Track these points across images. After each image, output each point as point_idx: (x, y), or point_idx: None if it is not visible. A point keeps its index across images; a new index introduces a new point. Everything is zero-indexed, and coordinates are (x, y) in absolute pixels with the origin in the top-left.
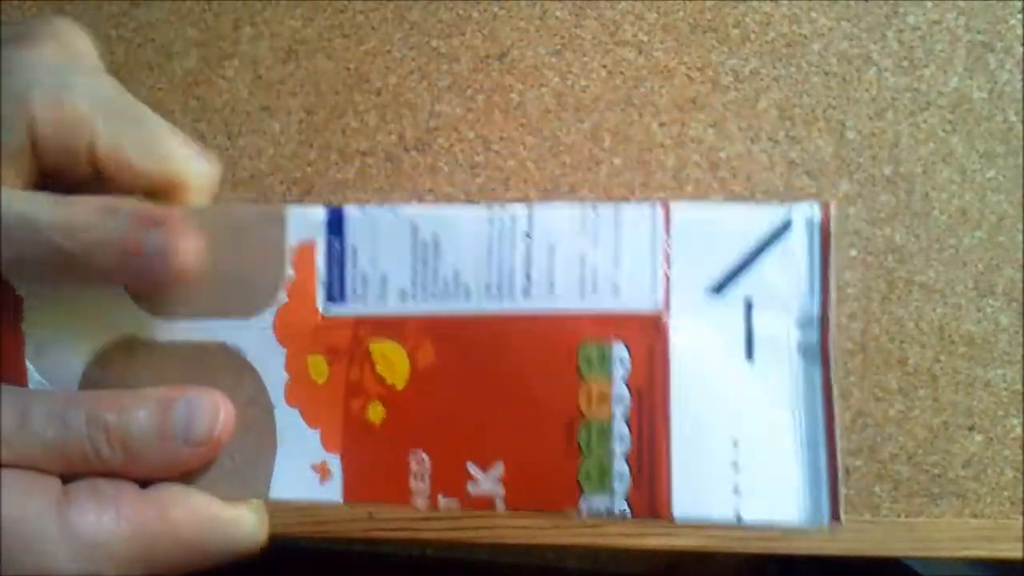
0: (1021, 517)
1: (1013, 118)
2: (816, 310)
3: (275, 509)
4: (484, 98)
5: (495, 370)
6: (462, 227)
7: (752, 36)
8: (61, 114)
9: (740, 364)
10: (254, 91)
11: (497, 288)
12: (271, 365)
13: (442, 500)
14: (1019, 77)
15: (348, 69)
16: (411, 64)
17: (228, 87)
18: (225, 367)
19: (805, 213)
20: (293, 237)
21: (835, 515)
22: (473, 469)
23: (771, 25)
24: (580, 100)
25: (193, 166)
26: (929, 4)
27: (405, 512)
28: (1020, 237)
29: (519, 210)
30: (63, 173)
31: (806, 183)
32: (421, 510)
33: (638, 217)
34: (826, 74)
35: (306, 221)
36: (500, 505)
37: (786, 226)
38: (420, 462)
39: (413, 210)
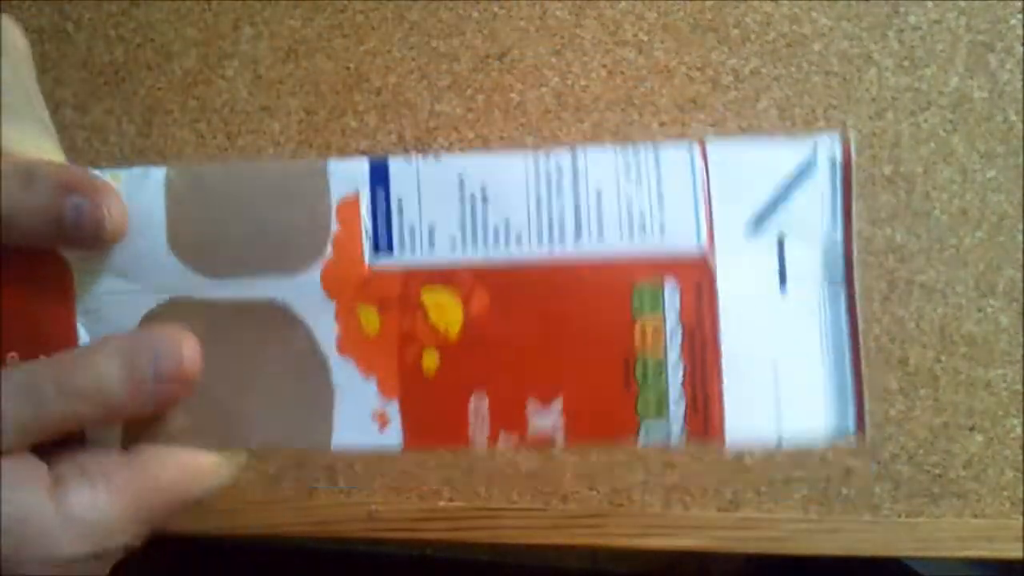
0: (1021, 517)
1: (1014, 118)
2: (840, 237)
3: (275, 509)
4: (484, 98)
5: (550, 313)
6: (509, 176)
7: (753, 36)
8: None
9: (776, 294)
10: (254, 91)
11: (548, 233)
12: (321, 318)
13: (502, 436)
14: (1020, 77)
15: (348, 69)
16: (411, 64)
17: (228, 87)
18: (275, 323)
19: (827, 149)
20: (337, 191)
21: (860, 426)
22: (533, 405)
23: (772, 25)
24: (580, 100)
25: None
26: (930, 4)
27: (405, 512)
28: (1020, 237)
29: (565, 158)
30: None
31: None
32: (481, 450)
33: (677, 158)
34: (827, 74)
35: (349, 174)
36: (560, 440)
37: (812, 162)
38: (479, 405)
39: (459, 160)
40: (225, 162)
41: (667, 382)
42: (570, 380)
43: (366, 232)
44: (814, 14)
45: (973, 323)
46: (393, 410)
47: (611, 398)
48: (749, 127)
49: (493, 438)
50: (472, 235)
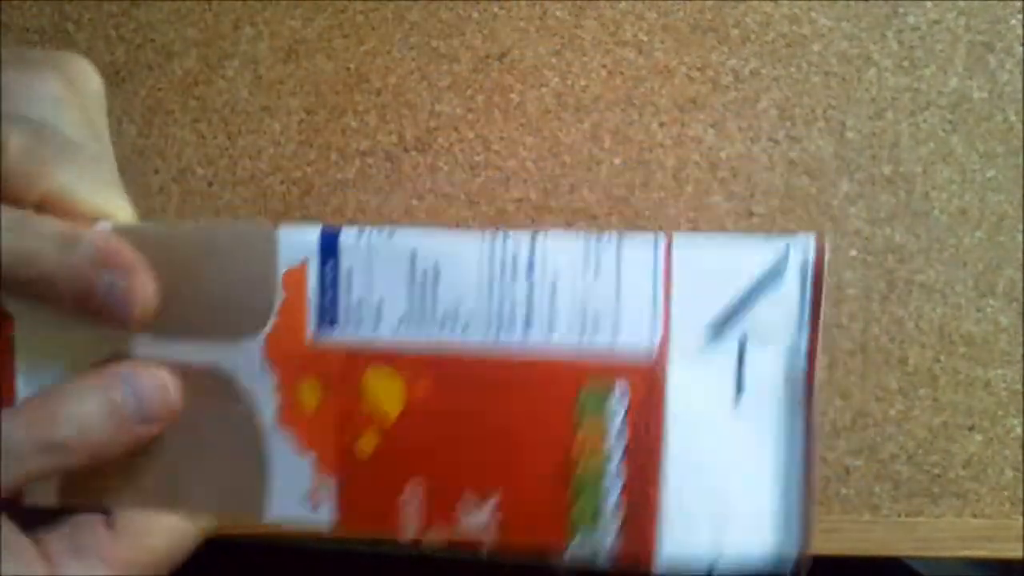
0: (1021, 517)
1: (1013, 118)
2: (804, 345)
3: None
4: (484, 98)
5: (493, 407)
6: (463, 257)
7: (752, 36)
8: (30, 155)
9: (729, 407)
10: (254, 91)
11: (498, 321)
12: (262, 389)
13: (431, 533)
14: (1019, 77)
15: (348, 69)
16: (411, 64)
17: (228, 87)
18: (216, 389)
19: (800, 252)
20: (285, 259)
21: (802, 550)
22: (467, 499)
23: (771, 25)
24: (580, 100)
25: (124, 217)
26: (929, 4)
27: None
28: (1020, 237)
29: (522, 243)
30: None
31: (806, 183)
32: (407, 541)
33: (640, 254)
34: (826, 74)
35: (299, 243)
36: (490, 541)
37: (782, 266)
38: (413, 492)
39: (412, 237)
40: (173, 222)
41: (604, 492)
42: (508, 478)
43: (311, 303)
44: (813, 15)
45: (972, 323)
46: (327, 490)
47: (547, 501)
48: (749, 127)
49: (423, 529)
50: (420, 316)
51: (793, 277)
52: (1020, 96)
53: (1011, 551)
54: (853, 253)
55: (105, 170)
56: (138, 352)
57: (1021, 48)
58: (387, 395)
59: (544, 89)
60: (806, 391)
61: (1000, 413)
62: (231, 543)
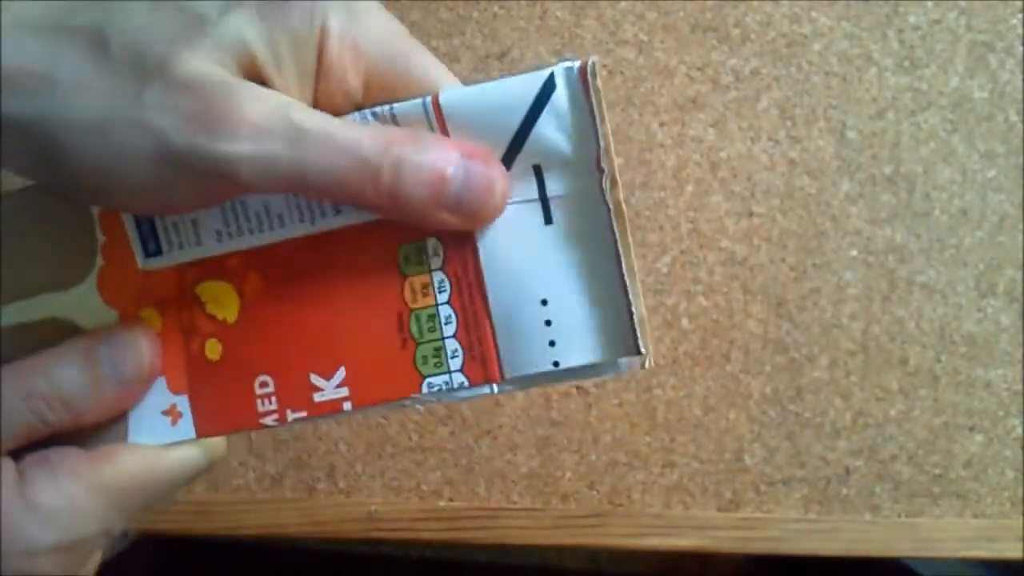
0: (1021, 517)
1: (1014, 118)
2: (592, 156)
3: (276, 509)
4: None
5: (321, 284)
6: None
7: (753, 36)
8: (350, 42)
9: (541, 228)
10: None
11: (308, 211)
12: (104, 327)
13: (290, 414)
14: (1020, 77)
15: None
16: None
17: None
18: (60, 338)
19: (564, 70)
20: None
21: (635, 348)
22: (316, 379)
23: (772, 25)
24: None
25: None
26: (930, 4)
27: (405, 512)
28: (1021, 237)
29: None
30: (332, 101)
31: (806, 183)
32: (272, 427)
33: (412, 111)
34: (827, 74)
35: None
36: (347, 406)
37: (550, 86)
38: (264, 385)
39: None
40: None
41: (441, 334)
42: (349, 348)
43: (132, 238)
44: (814, 14)
45: (973, 323)
46: (184, 403)
47: (390, 358)
48: (749, 127)
49: (282, 416)
50: (236, 226)
51: (563, 94)
52: (1021, 96)
53: (1011, 551)
54: (854, 253)
55: (423, 50)
56: None
57: (1021, 48)
58: (221, 303)
59: None
60: (603, 198)
61: (1001, 413)
62: (231, 543)
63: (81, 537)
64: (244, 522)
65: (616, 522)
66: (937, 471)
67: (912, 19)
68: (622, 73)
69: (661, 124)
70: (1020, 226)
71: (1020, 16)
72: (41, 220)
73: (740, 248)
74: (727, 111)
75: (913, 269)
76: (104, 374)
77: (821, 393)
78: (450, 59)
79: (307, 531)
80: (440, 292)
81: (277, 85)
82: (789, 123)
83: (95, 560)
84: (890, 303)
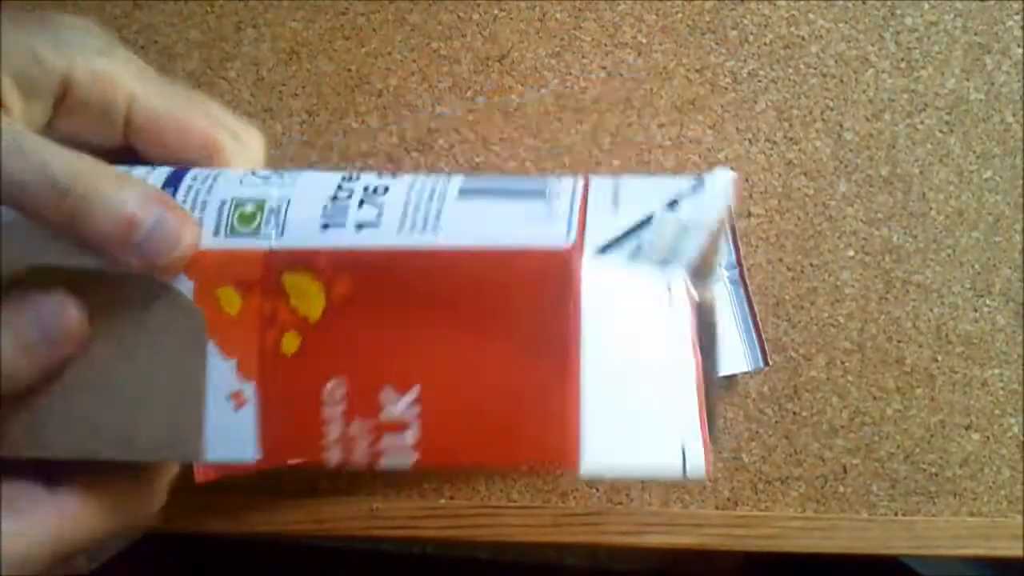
0: (1018, 515)
1: (1010, 119)
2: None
3: (277, 507)
4: (484, 99)
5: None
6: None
7: (750, 38)
8: (101, 73)
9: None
10: (256, 92)
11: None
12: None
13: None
14: (1016, 78)
15: (349, 71)
16: (412, 66)
17: (230, 88)
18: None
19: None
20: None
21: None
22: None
23: (769, 27)
24: (579, 101)
25: (240, 131)
26: (926, 6)
27: (406, 510)
28: (1017, 237)
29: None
30: (94, 139)
31: (804, 183)
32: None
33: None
34: (824, 75)
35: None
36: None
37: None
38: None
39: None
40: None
41: None
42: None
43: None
44: (811, 16)
45: (969, 322)
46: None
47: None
48: (747, 128)
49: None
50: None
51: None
52: (1017, 97)
53: (1008, 549)
54: (851, 253)
55: (174, 85)
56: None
57: (1018, 49)
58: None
59: (544, 90)
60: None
61: (997, 412)
62: (232, 541)
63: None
64: (246, 520)
65: (615, 520)
66: (934, 470)
67: (909, 21)
68: (621, 75)
69: (660, 126)
70: (1016, 226)
71: (1016, 18)
72: None
73: None
74: (725, 113)
75: (910, 269)
76: (32, 339)
77: (818, 392)
78: (450, 61)
79: (309, 529)
80: None
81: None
82: (786, 124)
83: None
84: (887, 303)
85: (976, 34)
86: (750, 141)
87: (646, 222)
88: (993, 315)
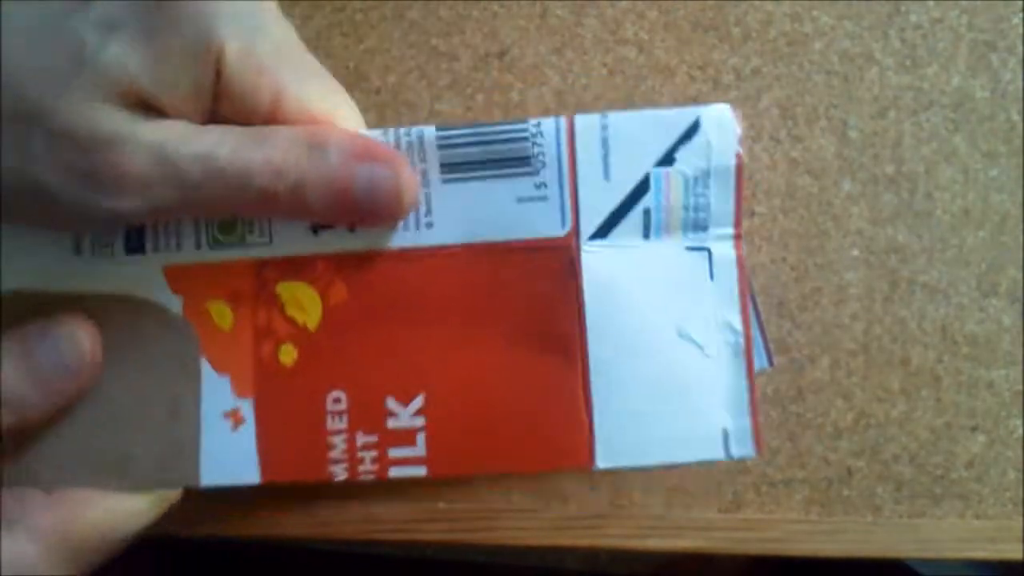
0: (1022, 518)
1: (1016, 117)
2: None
3: (275, 510)
4: (484, 97)
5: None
6: None
7: (753, 35)
8: (251, 59)
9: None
10: None
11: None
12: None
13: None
14: (1022, 76)
15: (347, 68)
16: (410, 63)
17: None
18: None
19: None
20: None
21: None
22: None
23: (773, 24)
24: (581, 99)
25: (355, 123)
26: (931, 3)
27: (404, 513)
28: (1023, 237)
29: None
30: (236, 121)
31: (808, 182)
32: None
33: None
34: (828, 73)
35: None
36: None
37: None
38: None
39: None
40: None
41: None
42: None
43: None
44: (815, 13)
45: (975, 323)
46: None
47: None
48: (751, 126)
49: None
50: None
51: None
52: (1022, 95)
53: (1014, 552)
54: (855, 253)
55: (324, 71)
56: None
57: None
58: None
59: (544, 88)
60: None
61: (1003, 414)
62: (229, 544)
63: None
64: (243, 523)
65: (617, 523)
66: (939, 472)
67: (913, 18)
68: (623, 72)
69: None
70: (1022, 226)
71: (1022, 15)
72: None
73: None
74: None
75: (915, 269)
76: (44, 370)
77: (822, 394)
78: (449, 58)
79: (307, 532)
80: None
81: (166, 106)
82: (790, 122)
83: None
84: (892, 303)
85: (982, 31)
86: (753, 139)
87: (642, 186)
88: (999, 316)
